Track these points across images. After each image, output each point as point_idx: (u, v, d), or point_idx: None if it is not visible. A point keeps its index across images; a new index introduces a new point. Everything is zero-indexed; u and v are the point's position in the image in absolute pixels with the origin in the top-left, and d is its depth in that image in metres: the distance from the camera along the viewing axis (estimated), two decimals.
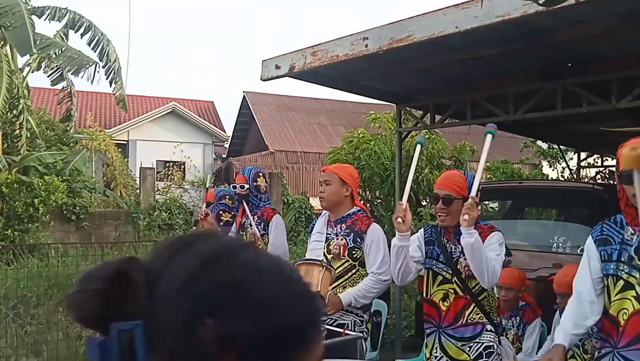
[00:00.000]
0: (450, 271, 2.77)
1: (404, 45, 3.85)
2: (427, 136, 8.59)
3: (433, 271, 2.83)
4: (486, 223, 2.85)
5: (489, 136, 2.66)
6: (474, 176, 2.74)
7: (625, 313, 2.15)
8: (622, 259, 2.18)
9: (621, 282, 2.18)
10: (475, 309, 2.73)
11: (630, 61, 4.20)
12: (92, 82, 11.25)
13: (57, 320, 5.52)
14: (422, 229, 2.96)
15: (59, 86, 12.50)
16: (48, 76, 12.05)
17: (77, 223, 10.80)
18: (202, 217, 4.10)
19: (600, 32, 3.67)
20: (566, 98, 4.55)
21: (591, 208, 4.78)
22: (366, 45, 4.06)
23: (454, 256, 2.76)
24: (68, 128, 13.18)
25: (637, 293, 2.13)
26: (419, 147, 3.07)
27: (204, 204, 4.54)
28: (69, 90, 12.48)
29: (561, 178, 10.70)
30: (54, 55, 11.01)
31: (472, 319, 2.73)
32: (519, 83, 4.74)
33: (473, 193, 2.57)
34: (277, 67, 4.70)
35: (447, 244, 2.79)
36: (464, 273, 2.73)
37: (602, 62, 4.31)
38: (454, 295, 2.76)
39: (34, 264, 7.34)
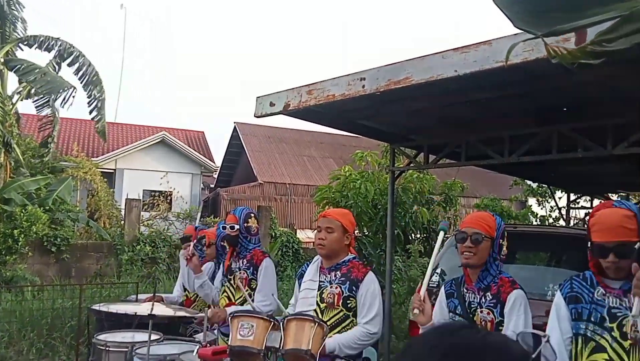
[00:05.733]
0: None
1: (401, 87, 3.78)
2: (417, 175, 8.53)
3: None
4: (508, 275, 2.65)
5: (441, 233, 2.54)
6: (502, 221, 2.70)
7: None
8: (592, 319, 2.17)
9: (592, 343, 2.16)
10: None
11: (626, 107, 4.17)
12: (63, 105, 11.17)
13: None
14: (443, 285, 2.85)
15: (44, 113, 12.35)
16: (34, 102, 11.92)
17: (57, 255, 10.49)
18: (189, 257, 3.92)
19: (600, 78, 3.62)
20: (562, 142, 4.51)
21: (586, 253, 4.66)
22: (363, 86, 3.98)
23: (472, 306, 2.61)
24: (44, 154, 12.94)
25: (609, 356, 2.10)
26: (442, 234, 2.74)
27: (192, 243, 4.39)
28: (52, 117, 12.34)
29: (550, 217, 10.65)
30: (33, 79, 10.92)
31: None
32: (515, 126, 4.69)
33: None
34: (272, 104, 4.61)
35: (467, 294, 2.66)
36: (480, 326, 2.56)
37: (599, 108, 4.28)
38: None
39: (8, 300, 7.05)
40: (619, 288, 2.14)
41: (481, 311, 2.57)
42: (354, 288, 2.98)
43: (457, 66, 3.48)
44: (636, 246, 2.06)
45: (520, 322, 2.48)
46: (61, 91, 10.96)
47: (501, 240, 2.63)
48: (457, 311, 2.67)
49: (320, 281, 3.08)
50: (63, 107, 11.26)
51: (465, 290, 2.67)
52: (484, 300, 2.59)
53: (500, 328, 2.53)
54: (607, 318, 2.14)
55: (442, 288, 2.82)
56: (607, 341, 2.12)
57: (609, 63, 3.32)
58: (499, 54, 3.28)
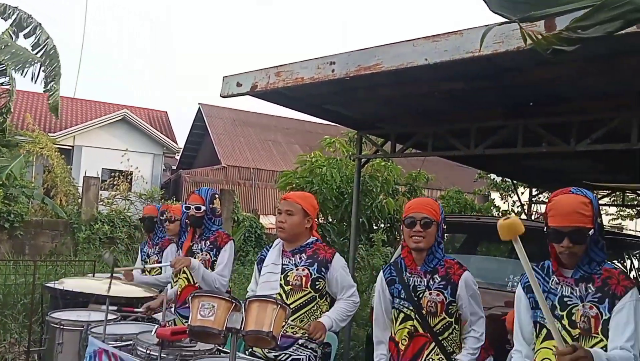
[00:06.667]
0: (411, 307, 2.69)
1: (371, 73, 3.76)
2: (384, 163, 8.57)
3: (396, 309, 2.76)
4: (452, 258, 2.77)
5: None
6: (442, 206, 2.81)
7: None
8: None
9: (544, 330, 2.22)
10: (435, 349, 2.64)
11: (591, 104, 4.26)
12: (35, 81, 10.69)
13: None
14: (382, 272, 2.88)
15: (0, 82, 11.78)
16: None
17: (11, 231, 10.15)
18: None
19: (566, 74, 3.69)
20: (527, 137, 4.58)
21: (546, 245, 4.78)
22: (333, 70, 3.95)
23: (418, 290, 2.68)
24: (1, 123, 12.33)
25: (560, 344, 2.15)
26: None
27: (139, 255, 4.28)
28: (9, 87, 11.79)
29: (513, 211, 10.89)
30: None
31: (431, 359, 2.64)
32: (482, 119, 4.74)
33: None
34: (239, 84, 4.53)
35: (411, 278, 2.72)
36: (425, 309, 2.65)
37: (564, 104, 4.36)
38: (414, 333, 2.67)
39: None
40: (570, 277, 2.19)
41: (430, 294, 2.64)
42: (323, 269, 2.99)
43: (427, 54, 3.48)
44: (590, 233, 2.10)
45: (476, 302, 2.68)
46: (27, 65, 10.50)
47: (443, 224, 2.73)
48: (401, 296, 2.73)
49: (283, 265, 3.05)
50: (35, 83, 10.80)
51: (408, 275, 2.73)
52: (432, 283, 2.66)
53: (450, 308, 2.63)
54: (557, 306, 2.19)
55: (381, 275, 2.87)
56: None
57: (576, 60, 3.40)
58: (469, 45, 3.29)
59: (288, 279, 3.00)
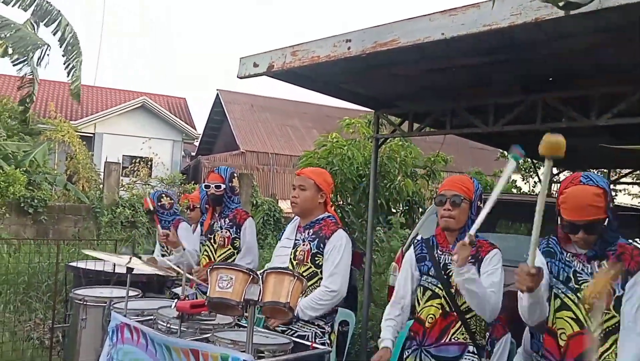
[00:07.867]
0: (439, 285, 2.65)
1: (387, 50, 3.73)
2: (402, 143, 8.51)
3: (423, 286, 2.72)
4: (486, 239, 2.69)
5: (512, 162, 2.32)
6: (479, 183, 2.71)
7: (563, 333, 2.21)
8: (560, 278, 2.26)
9: (558, 301, 2.25)
10: (461, 328, 2.61)
11: (611, 77, 4.17)
12: (39, 63, 10.78)
13: (4, 319, 5.21)
14: (412, 246, 2.84)
15: (23, 72, 11.95)
16: (12, 61, 11.51)
17: (35, 217, 10.38)
18: (164, 239, 3.90)
19: (585, 47, 3.62)
20: (546, 112, 4.51)
21: None
22: (349, 48, 3.92)
23: (449, 268, 2.63)
24: (24, 112, 12.51)
25: (575, 315, 2.19)
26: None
27: (158, 225, 4.38)
28: (31, 76, 11.93)
29: (534, 192, 10.76)
30: (6, 35, 10.49)
31: (456, 338, 2.60)
32: (500, 95, 4.68)
33: (472, 230, 2.36)
34: (255, 65, 4.53)
35: (442, 256, 2.68)
36: (454, 288, 2.60)
37: (584, 78, 4.28)
38: (440, 311, 2.63)
39: None
40: (584, 254, 2.22)
41: None
42: (322, 245, 2.98)
43: (444, 28, 3.44)
44: (605, 223, 2.12)
45: (496, 275, 2.56)
46: (35, 48, 10.59)
47: (479, 202, 2.64)
48: (430, 273, 2.69)
49: (295, 240, 3.10)
50: (39, 65, 10.90)
51: (439, 252, 2.69)
52: None
53: None
54: (572, 278, 2.22)
55: (411, 250, 2.82)
56: (571, 300, 2.21)
57: (595, 31, 3.32)
58: (487, 18, 3.25)
59: (296, 254, 3.03)
